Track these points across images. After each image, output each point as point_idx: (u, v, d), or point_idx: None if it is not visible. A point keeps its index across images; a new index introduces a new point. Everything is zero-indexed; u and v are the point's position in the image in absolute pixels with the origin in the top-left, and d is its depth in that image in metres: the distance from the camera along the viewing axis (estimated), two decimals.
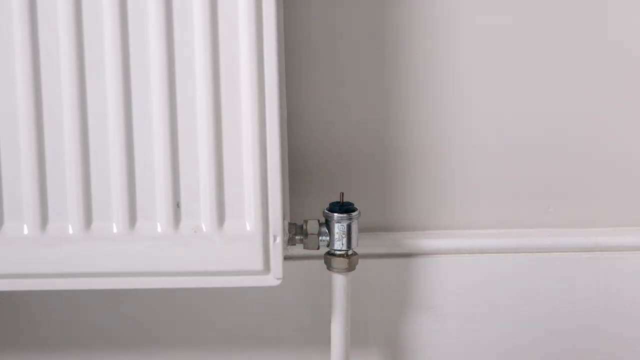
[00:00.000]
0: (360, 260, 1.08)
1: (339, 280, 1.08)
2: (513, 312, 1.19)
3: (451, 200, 1.19)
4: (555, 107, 1.16)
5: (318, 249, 1.06)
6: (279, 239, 1.01)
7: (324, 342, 1.11)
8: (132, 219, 1.00)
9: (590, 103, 1.15)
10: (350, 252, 1.07)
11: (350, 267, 1.07)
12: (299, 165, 1.08)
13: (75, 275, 1.01)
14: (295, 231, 1.06)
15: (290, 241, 1.06)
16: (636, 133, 1.17)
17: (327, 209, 1.07)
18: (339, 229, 1.05)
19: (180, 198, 1.00)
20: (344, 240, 1.06)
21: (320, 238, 1.06)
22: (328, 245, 1.06)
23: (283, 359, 1.20)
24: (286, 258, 1.03)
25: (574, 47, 1.14)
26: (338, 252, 1.07)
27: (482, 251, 1.18)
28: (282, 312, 1.19)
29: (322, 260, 1.08)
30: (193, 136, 0.99)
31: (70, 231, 1.01)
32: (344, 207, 1.07)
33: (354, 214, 1.07)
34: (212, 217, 1.00)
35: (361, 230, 1.08)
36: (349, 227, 1.05)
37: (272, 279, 1.02)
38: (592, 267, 1.19)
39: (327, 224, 1.06)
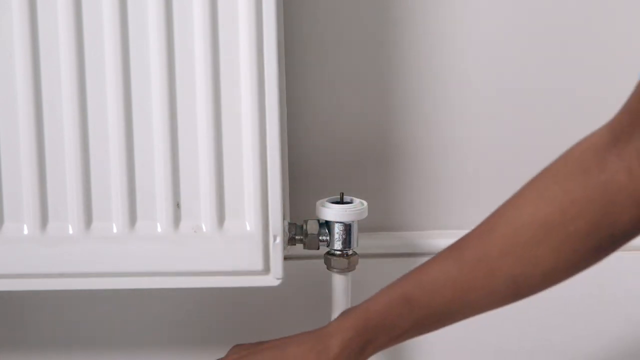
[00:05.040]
0: (360, 260, 1.08)
1: (339, 280, 1.08)
2: (514, 312, 1.19)
3: (452, 199, 1.19)
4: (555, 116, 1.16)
5: (318, 249, 1.06)
6: (279, 239, 1.01)
7: None
8: (132, 219, 1.00)
9: None
10: (350, 252, 1.07)
11: (350, 267, 1.07)
12: (299, 165, 1.08)
13: (75, 275, 1.01)
14: (295, 231, 1.06)
15: (290, 241, 1.06)
16: None
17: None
18: (338, 229, 1.05)
19: (180, 198, 1.00)
20: (344, 240, 1.06)
21: (320, 238, 1.06)
22: (328, 245, 1.06)
23: None
24: (286, 258, 1.03)
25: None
26: (338, 252, 1.06)
27: None
28: (282, 312, 1.19)
29: (322, 260, 1.08)
30: (193, 136, 0.99)
31: (70, 231, 1.00)
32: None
33: None
34: (212, 217, 1.00)
35: (361, 230, 1.08)
36: (349, 227, 1.05)
37: (272, 279, 1.02)
38: (594, 268, 1.18)
39: (327, 224, 1.06)
